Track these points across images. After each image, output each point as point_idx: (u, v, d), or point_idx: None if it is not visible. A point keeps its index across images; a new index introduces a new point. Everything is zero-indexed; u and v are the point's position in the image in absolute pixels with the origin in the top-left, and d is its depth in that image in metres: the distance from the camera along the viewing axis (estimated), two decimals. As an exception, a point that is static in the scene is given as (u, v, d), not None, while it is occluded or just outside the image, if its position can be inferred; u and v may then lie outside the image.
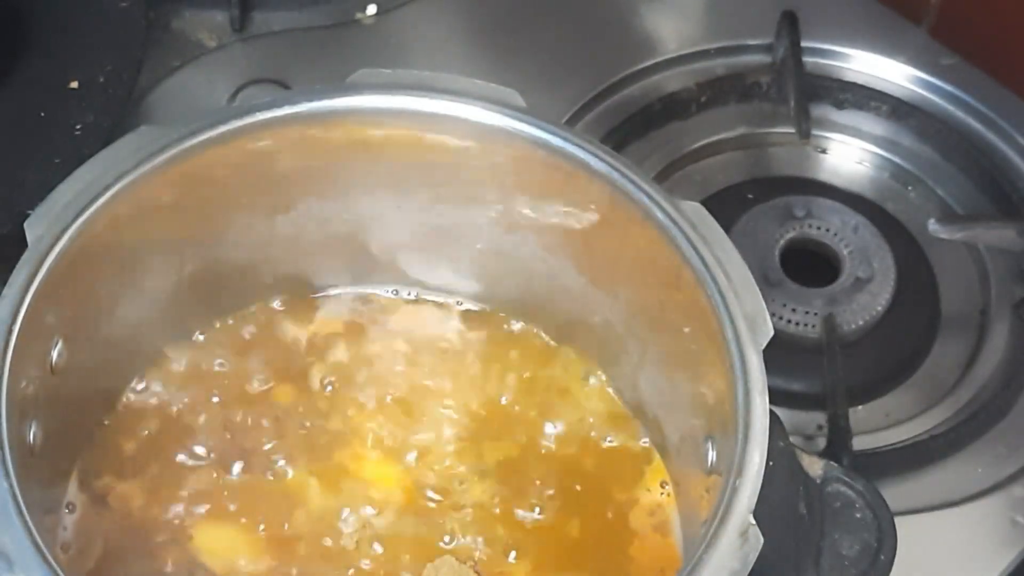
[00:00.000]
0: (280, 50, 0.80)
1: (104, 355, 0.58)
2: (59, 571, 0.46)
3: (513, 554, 0.57)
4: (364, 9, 0.83)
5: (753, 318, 0.52)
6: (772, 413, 0.50)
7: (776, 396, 0.51)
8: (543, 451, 0.60)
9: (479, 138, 0.57)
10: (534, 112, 0.57)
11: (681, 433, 0.58)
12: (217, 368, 0.61)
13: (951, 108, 0.80)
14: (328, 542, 0.57)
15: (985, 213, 0.77)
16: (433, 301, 0.64)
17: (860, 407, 0.70)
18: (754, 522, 0.48)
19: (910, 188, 0.79)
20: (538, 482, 0.59)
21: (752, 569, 0.47)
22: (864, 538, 0.54)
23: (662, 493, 0.59)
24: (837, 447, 0.66)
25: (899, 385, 0.71)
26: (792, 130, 0.79)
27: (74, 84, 0.71)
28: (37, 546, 0.46)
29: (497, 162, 0.58)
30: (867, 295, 0.72)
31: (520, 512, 0.59)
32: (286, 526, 0.58)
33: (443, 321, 0.64)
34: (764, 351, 0.51)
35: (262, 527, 0.57)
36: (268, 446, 0.60)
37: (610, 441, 0.61)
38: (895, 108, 0.80)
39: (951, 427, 0.69)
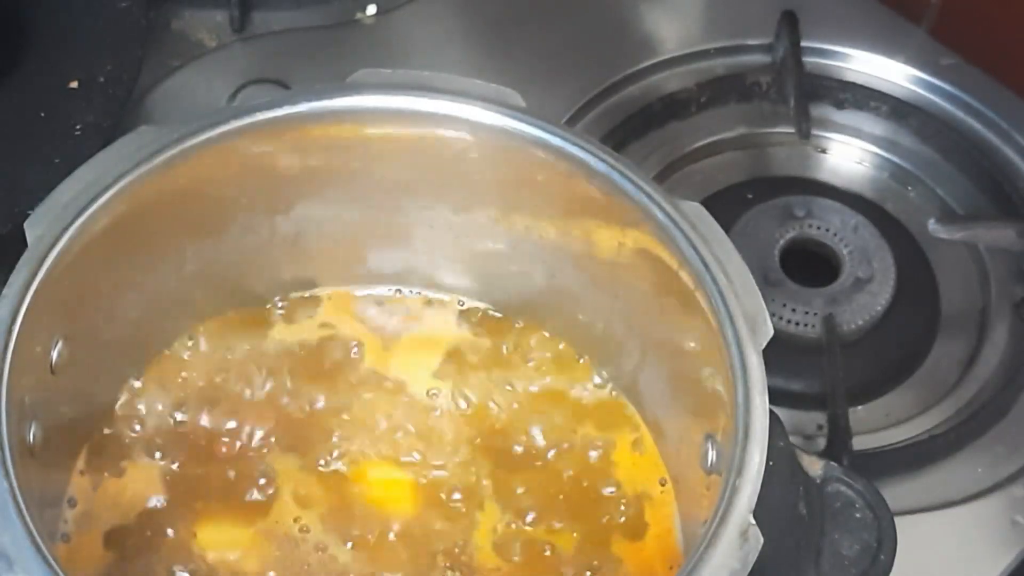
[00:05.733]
0: (280, 50, 0.80)
1: (104, 355, 0.58)
2: (59, 571, 0.46)
3: (511, 556, 0.58)
4: (364, 9, 0.83)
5: (753, 318, 0.52)
6: (772, 413, 0.50)
7: (776, 396, 0.51)
8: (544, 451, 0.60)
9: (479, 138, 0.57)
10: (534, 112, 0.57)
11: (681, 433, 0.58)
12: (218, 368, 0.61)
13: (951, 108, 0.80)
14: (330, 542, 0.57)
15: (985, 213, 0.77)
16: (435, 300, 0.64)
17: (860, 407, 0.70)
18: (754, 522, 0.48)
19: (910, 188, 0.79)
20: (538, 482, 0.59)
21: (752, 569, 0.47)
22: (864, 538, 0.54)
23: (662, 492, 0.59)
24: (837, 447, 0.66)
25: (899, 385, 0.71)
26: (792, 130, 0.79)
27: (74, 84, 0.70)
28: (37, 546, 0.46)
29: (497, 162, 0.58)
30: (867, 295, 0.72)
31: (517, 512, 0.59)
32: (289, 525, 0.58)
33: (445, 320, 0.64)
34: (764, 351, 0.51)
35: (265, 526, 0.57)
36: (270, 445, 0.60)
37: (610, 440, 0.61)
38: (895, 108, 0.80)
39: (951, 427, 0.69)
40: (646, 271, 0.56)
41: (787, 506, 0.53)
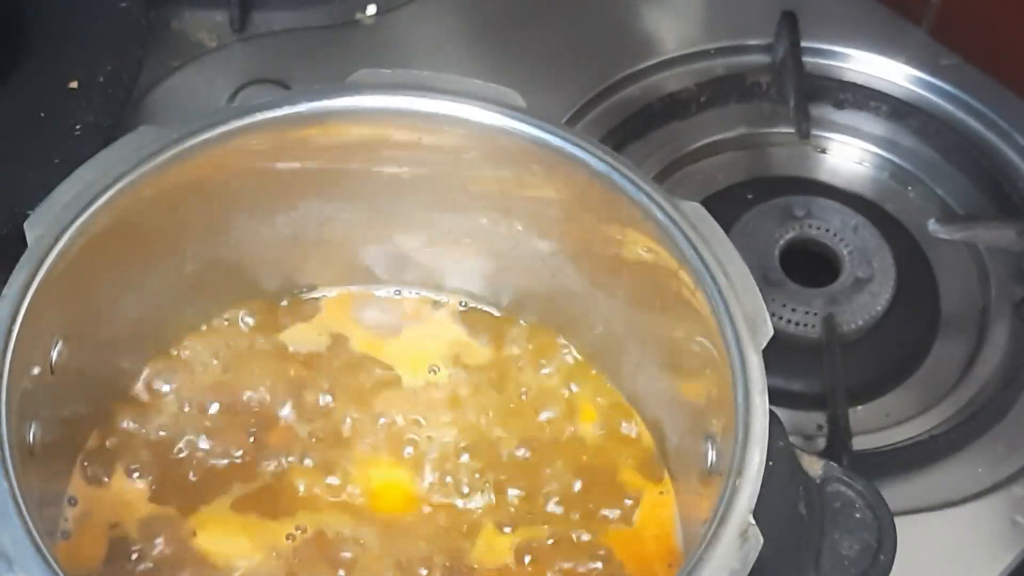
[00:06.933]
0: (280, 50, 0.80)
1: (104, 355, 0.58)
2: (59, 571, 0.46)
3: (509, 556, 0.57)
4: (364, 9, 0.83)
5: (753, 318, 0.52)
6: (772, 413, 0.50)
7: (776, 396, 0.51)
8: (544, 452, 0.60)
9: (479, 138, 0.57)
10: (534, 112, 0.57)
11: (681, 433, 0.58)
12: (218, 367, 0.61)
13: (951, 108, 0.80)
14: (329, 541, 0.57)
15: (985, 213, 0.77)
16: (434, 301, 0.64)
17: (860, 407, 0.70)
18: (754, 522, 0.48)
19: (910, 188, 0.79)
20: (536, 482, 0.59)
21: (752, 569, 0.47)
22: (864, 538, 0.54)
23: (662, 492, 0.59)
24: (837, 447, 0.66)
25: (899, 385, 0.71)
26: (792, 130, 0.79)
27: (74, 84, 0.70)
28: (37, 546, 0.46)
29: (497, 162, 0.58)
30: (867, 295, 0.72)
31: (515, 512, 0.58)
32: (287, 524, 0.58)
33: (445, 321, 0.64)
34: (764, 351, 0.51)
35: (264, 525, 0.57)
36: (271, 447, 0.60)
37: (609, 441, 0.61)
38: (895, 108, 0.80)
39: (951, 427, 0.69)
40: (646, 271, 0.56)
41: (787, 506, 0.53)
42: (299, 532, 0.57)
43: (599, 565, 0.57)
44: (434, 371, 0.62)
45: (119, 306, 0.58)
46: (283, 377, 0.61)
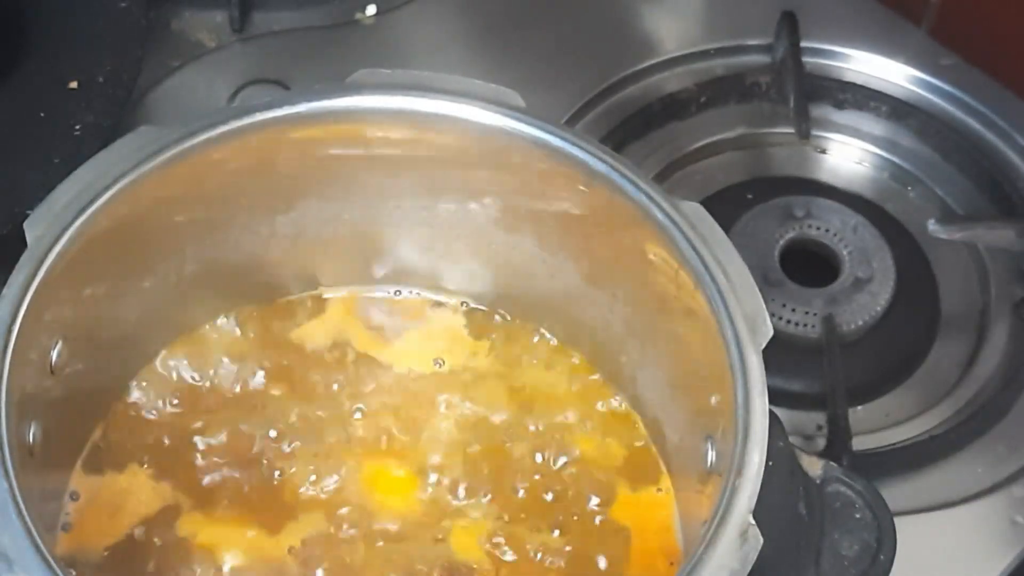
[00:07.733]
0: (280, 50, 0.80)
1: (104, 355, 0.58)
2: (58, 571, 0.46)
3: (507, 557, 0.58)
4: (364, 9, 0.83)
5: (753, 318, 0.52)
6: (772, 413, 0.50)
7: (776, 396, 0.51)
8: (544, 451, 0.60)
9: (479, 138, 0.57)
10: (534, 112, 0.57)
11: (681, 433, 0.58)
12: (218, 368, 0.61)
13: (951, 108, 0.80)
14: (331, 543, 0.57)
15: (985, 213, 0.77)
16: (434, 301, 0.64)
17: (860, 407, 0.70)
18: (754, 522, 0.48)
19: (910, 188, 0.79)
20: (535, 482, 0.59)
21: (752, 569, 0.47)
22: (864, 538, 0.54)
23: (662, 492, 0.59)
24: (837, 447, 0.66)
25: (899, 385, 0.71)
26: (792, 130, 0.79)
27: (74, 84, 0.70)
28: (37, 546, 0.46)
29: (497, 162, 0.58)
30: (867, 295, 0.72)
31: (514, 513, 0.58)
32: (288, 522, 0.58)
33: (444, 321, 0.64)
34: (764, 351, 0.51)
35: (264, 523, 0.58)
36: (270, 446, 0.60)
37: (610, 441, 0.61)
38: (895, 108, 0.80)
39: (951, 427, 0.69)
40: (646, 271, 0.56)
41: (787, 506, 0.53)
42: (299, 530, 0.57)
43: (599, 564, 0.57)
44: (434, 371, 0.62)
45: (119, 306, 0.58)
46: (283, 377, 0.61)
